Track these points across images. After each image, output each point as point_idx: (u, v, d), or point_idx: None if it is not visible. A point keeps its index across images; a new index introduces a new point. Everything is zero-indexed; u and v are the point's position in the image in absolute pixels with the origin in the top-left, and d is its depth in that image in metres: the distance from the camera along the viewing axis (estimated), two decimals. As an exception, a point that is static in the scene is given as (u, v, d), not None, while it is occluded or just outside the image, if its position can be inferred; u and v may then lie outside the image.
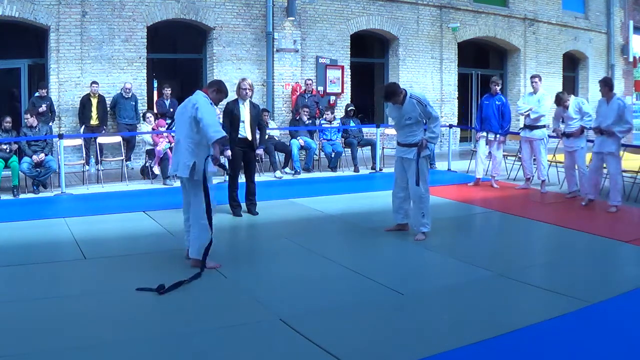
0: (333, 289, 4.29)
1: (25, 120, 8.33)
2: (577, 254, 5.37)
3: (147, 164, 9.35)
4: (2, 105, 10.89)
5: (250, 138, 6.73)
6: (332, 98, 12.76)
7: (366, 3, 13.12)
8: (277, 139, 10.59)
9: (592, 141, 7.61)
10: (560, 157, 8.72)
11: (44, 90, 9.83)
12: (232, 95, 8.44)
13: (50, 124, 9.64)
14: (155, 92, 12.53)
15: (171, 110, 10.41)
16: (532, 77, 8.65)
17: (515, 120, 14.54)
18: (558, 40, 16.53)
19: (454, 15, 14.34)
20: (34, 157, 8.02)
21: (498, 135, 8.88)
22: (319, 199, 7.82)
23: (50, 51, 10.25)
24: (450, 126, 13.01)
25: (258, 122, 6.94)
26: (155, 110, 10.50)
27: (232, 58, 11.69)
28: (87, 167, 9.58)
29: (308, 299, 4.06)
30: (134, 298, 4.01)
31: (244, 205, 6.88)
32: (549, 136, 8.72)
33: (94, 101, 10.10)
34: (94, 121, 10.13)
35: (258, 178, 7.52)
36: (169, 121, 9.43)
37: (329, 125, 10.85)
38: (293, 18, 11.98)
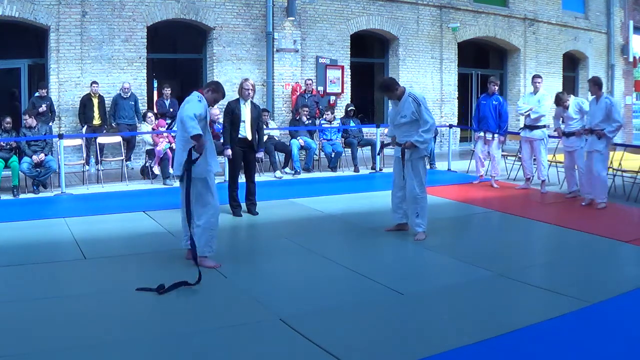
0: (333, 289, 4.29)
1: (24, 121, 8.33)
2: (577, 254, 5.36)
3: (147, 164, 9.35)
4: (2, 105, 10.90)
5: (250, 138, 6.73)
6: (332, 98, 12.76)
7: (366, 3, 13.12)
8: (277, 139, 10.58)
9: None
10: (560, 157, 8.72)
11: (44, 90, 9.83)
12: (233, 95, 8.47)
13: (50, 124, 9.64)
14: (155, 92, 12.54)
15: (171, 110, 10.42)
16: (534, 77, 8.65)
17: (516, 120, 14.57)
18: (558, 40, 16.53)
19: (454, 15, 14.34)
20: (34, 157, 8.02)
21: (496, 135, 8.89)
22: (319, 199, 7.82)
23: (50, 51, 10.25)
24: (450, 126, 13.01)
25: (258, 123, 6.94)
26: (155, 110, 10.50)
27: (232, 58, 11.70)
28: (87, 167, 9.58)
29: (308, 299, 4.06)
30: (134, 298, 4.01)
31: (244, 205, 6.88)
32: (549, 136, 8.72)
33: (95, 101, 10.11)
34: (96, 121, 10.13)
35: (258, 178, 7.52)
36: (169, 121, 9.44)
37: (329, 125, 10.86)
38: (293, 18, 11.98)
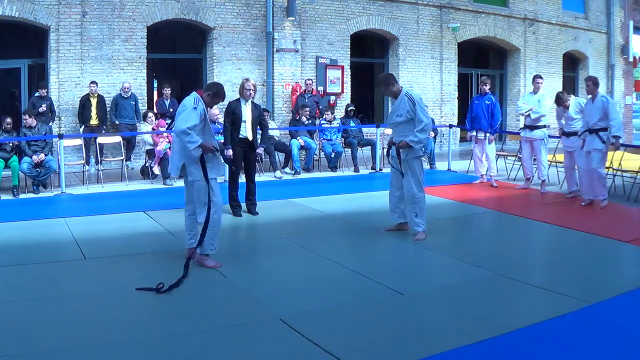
0: (333, 289, 4.29)
1: (24, 121, 8.33)
2: (577, 254, 5.36)
3: (147, 164, 9.35)
4: (2, 105, 10.90)
5: (251, 138, 6.73)
6: (332, 98, 12.76)
7: (366, 3, 13.12)
8: (277, 139, 10.59)
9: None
10: (560, 157, 8.72)
11: (44, 90, 9.83)
12: (233, 95, 8.47)
13: (50, 124, 9.64)
14: (155, 92, 12.54)
15: (171, 110, 10.42)
16: (535, 77, 8.65)
17: (516, 120, 14.58)
18: (558, 40, 16.53)
19: (454, 15, 14.34)
20: (34, 157, 8.02)
21: (488, 134, 8.91)
22: (319, 199, 7.81)
23: (50, 51, 10.25)
24: (450, 126, 13.02)
25: (260, 122, 6.94)
26: (155, 110, 10.50)
27: (232, 58, 11.69)
28: (87, 167, 9.58)
29: (308, 299, 4.06)
30: (134, 298, 4.01)
31: (244, 205, 6.88)
32: (550, 136, 8.72)
33: (94, 101, 10.10)
34: (93, 121, 10.13)
35: (258, 178, 7.52)
36: (169, 121, 9.44)
37: (329, 125, 10.86)
38: (293, 18, 11.98)
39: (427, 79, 14.12)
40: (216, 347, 3.29)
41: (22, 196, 7.92)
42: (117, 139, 9.83)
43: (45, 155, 8.18)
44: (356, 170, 10.57)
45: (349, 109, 11.42)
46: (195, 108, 4.61)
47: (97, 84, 10.13)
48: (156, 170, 9.09)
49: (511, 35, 15.45)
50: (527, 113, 8.40)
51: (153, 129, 9.41)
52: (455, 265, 4.88)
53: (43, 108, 9.61)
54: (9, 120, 8.12)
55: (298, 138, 10.32)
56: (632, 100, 19.09)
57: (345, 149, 10.91)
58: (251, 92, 6.64)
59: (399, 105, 5.59)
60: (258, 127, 6.94)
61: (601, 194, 7.20)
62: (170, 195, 7.81)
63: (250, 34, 11.81)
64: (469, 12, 14.65)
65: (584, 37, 17.24)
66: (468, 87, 15.53)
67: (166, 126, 9.07)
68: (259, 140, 7.08)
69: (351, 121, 11.20)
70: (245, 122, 6.66)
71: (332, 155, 10.59)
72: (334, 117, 11.29)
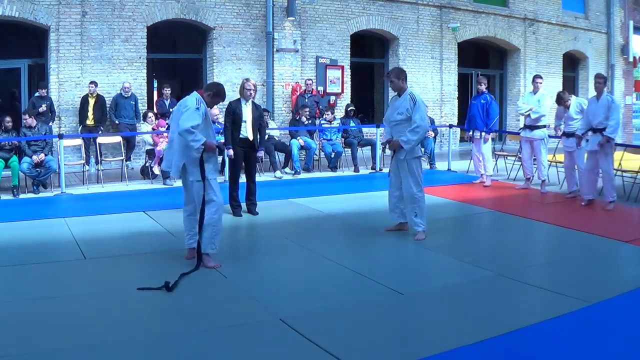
0: (333, 289, 4.28)
1: (24, 121, 8.33)
2: (577, 254, 5.36)
3: (147, 164, 9.35)
4: (2, 105, 10.90)
5: (251, 138, 6.73)
6: (332, 98, 12.76)
7: (366, 3, 13.12)
8: (277, 139, 10.59)
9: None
10: (560, 157, 8.72)
11: (44, 90, 9.83)
12: (233, 95, 8.48)
13: (50, 124, 9.64)
14: (155, 92, 12.54)
15: (171, 110, 10.41)
16: (535, 77, 8.65)
17: (516, 120, 14.57)
18: (558, 40, 16.54)
19: (454, 15, 14.34)
20: (34, 157, 8.02)
21: (483, 133, 8.91)
22: (319, 199, 7.82)
23: (50, 51, 10.25)
24: (450, 126, 13.02)
25: (259, 123, 6.94)
26: (155, 110, 10.50)
27: (232, 58, 11.69)
28: (87, 167, 9.58)
29: (308, 299, 4.06)
30: (134, 298, 4.01)
31: (244, 205, 6.88)
32: (550, 136, 8.72)
33: (92, 101, 10.11)
34: (89, 121, 10.13)
35: (258, 178, 7.51)
36: (169, 121, 9.43)
37: (329, 125, 10.86)
38: (293, 18, 11.98)
39: (427, 79, 14.11)
40: (216, 347, 3.29)
41: (22, 196, 7.92)
42: (117, 139, 9.83)
43: (45, 155, 8.18)
44: (356, 170, 10.57)
45: (349, 109, 11.42)
46: (198, 108, 4.64)
47: (96, 84, 10.13)
48: (156, 170, 9.09)
49: (511, 35, 15.45)
50: (527, 113, 8.40)
51: (153, 129, 9.42)
52: (455, 265, 4.87)
53: (43, 108, 9.61)
54: (9, 119, 8.13)
55: (298, 138, 10.32)
56: (632, 100, 19.09)
57: (345, 149, 10.91)
58: (251, 92, 6.64)
59: (401, 103, 5.61)
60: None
61: (610, 195, 7.10)
62: (170, 195, 7.81)
63: (250, 34, 11.81)
64: (469, 12, 14.65)
65: (584, 37, 17.25)
66: (468, 87, 15.52)
67: (166, 126, 9.08)
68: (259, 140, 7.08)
69: (351, 121, 11.20)
70: (245, 122, 6.66)
71: (332, 155, 10.59)
72: (334, 117, 11.29)
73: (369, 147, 11.21)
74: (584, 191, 7.53)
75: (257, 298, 4.04)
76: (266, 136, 8.49)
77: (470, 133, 9.13)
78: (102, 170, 9.32)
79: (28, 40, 10.99)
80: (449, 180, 9.62)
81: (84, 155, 9.49)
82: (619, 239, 5.66)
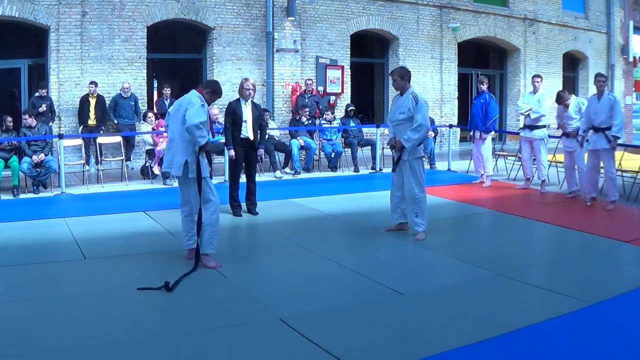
0: (333, 289, 4.29)
1: (24, 121, 8.33)
2: (577, 254, 5.36)
3: (147, 164, 9.35)
4: (2, 105, 10.90)
5: (252, 138, 6.73)
6: (332, 98, 12.76)
7: (366, 3, 13.12)
8: (277, 139, 10.59)
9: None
10: (560, 157, 8.72)
11: (44, 90, 9.83)
12: (233, 95, 8.47)
13: (50, 124, 9.64)
14: (155, 92, 12.54)
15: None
16: (534, 76, 8.65)
17: (516, 120, 14.57)
18: (558, 40, 16.53)
19: (454, 15, 14.34)
20: (34, 157, 8.02)
21: (481, 133, 8.91)
22: (319, 199, 7.81)
23: (50, 51, 10.25)
24: (450, 126, 13.02)
25: (260, 123, 6.95)
26: (155, 110, 10.49)
27: (232, 58, 11.69)
28: (87, 167, 9.58)
29: (308, 299, 4.06)
30: (134, 298, 4.01)
31: (244, 205, 6.88)
32: (550, 136, 8.72)
33: (92, 101, 10.10)
34: (91, 121, 10.13)
35: (258, 178, 7.52)
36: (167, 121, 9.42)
37: (329, 125, 10.86)
38: (293, 18, 11.98)
39: (427, 79, 14.11)
40: (216, 347, 3.29)
41: (22, 196, 7.92)
42: (117, 139, 9.83)
43: (45, 155, 8.18)
44: (356, 170, 10.57)
45: (349, 109, 11.42)
46: (203, 105, 4.70)
47: (96, 84, 10.13)
48: (156, 170, 9.09)
49: (511, 35, 15.45)
50: (527, 113, 8.40)
51: (153, 129, 9.41)
52: (455, 265, 4.87)
53: (43, 108, 9.61)
54: (9, 119, 8.13)
55: (298, 138, 10.32)
56: (632, 100, 19.09)
57: (345, 149, 10.91)
58: (250, 91, 6.64)
59: (403, 102, 5.61)
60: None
61: (612, 195, 7.11)
62: (170, 195, 7.80)
63: (250, 34, 11.81)
64: (469, 12, 14.65)
65: (584, 37, 17.24)
66: (468, 87, 15.53)
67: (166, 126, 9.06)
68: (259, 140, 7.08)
69: (351, 121, 11.20)
70: (246, 122, 6.66)
71: (332, 155, 10.59)
72: (334, 117, 11.29)
73: (369, 147, 11.21)
74: (585, 191, 7.53)
75: (257, 298, 4.04)
76: (266, 136, 8.49)
77: (471, 133, 9.13)
78: (102, 170, 9.32)
79: (28, 40, 10.99)
80: (449, 180, 9.62)
81: (84, 155, 9.50)
82: (619, 239, 5.66)
